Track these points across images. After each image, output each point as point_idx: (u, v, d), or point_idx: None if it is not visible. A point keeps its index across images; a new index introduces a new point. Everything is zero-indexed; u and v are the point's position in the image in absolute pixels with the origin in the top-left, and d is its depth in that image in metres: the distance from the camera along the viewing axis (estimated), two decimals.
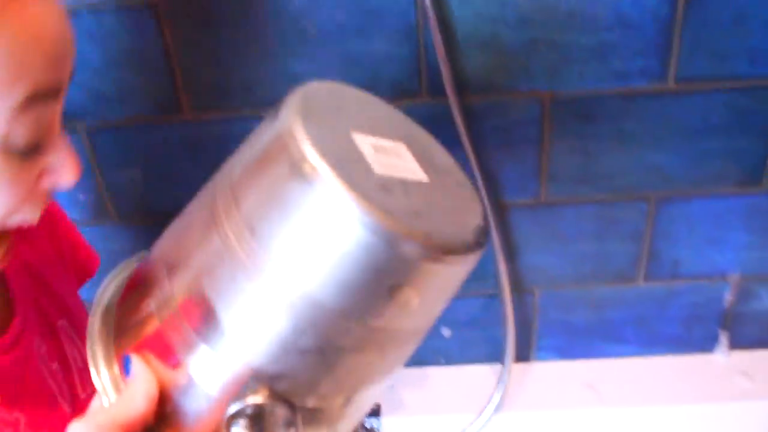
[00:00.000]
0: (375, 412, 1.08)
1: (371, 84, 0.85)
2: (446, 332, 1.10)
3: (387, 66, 0.86)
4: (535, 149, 0.92)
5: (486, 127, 0.91)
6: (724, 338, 1.10)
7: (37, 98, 0.40)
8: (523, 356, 1.12)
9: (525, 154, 0.93)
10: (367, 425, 1.06)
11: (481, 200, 0.45)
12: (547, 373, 1.11)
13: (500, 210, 0.97)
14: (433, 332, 1.08)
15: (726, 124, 0.90)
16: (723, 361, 1.11)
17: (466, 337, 1.10)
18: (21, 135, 0.41)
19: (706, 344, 1.11)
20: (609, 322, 1.09)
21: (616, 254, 1.01)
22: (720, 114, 0.89)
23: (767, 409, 1.05)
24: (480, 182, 0.91)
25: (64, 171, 0.46)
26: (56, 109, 0.44)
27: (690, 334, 1.10)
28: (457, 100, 0.86)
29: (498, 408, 1.05)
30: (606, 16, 0.82)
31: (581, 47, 0.84)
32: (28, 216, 0.47)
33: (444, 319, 1.02)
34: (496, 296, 1.03)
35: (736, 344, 1.11)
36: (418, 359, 1.13)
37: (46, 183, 0.46)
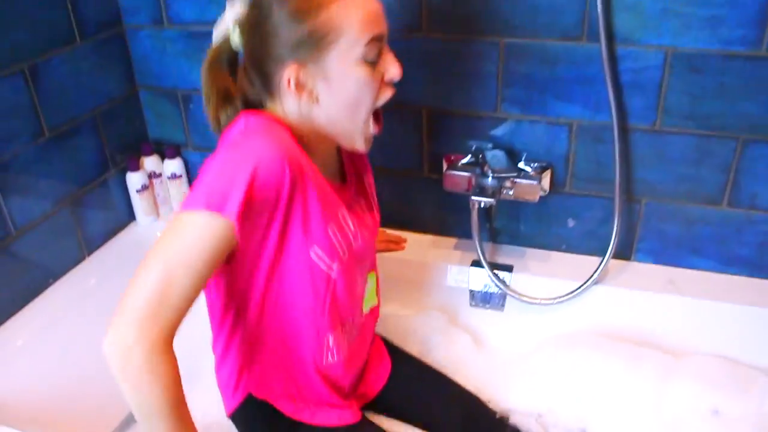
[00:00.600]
0: (508, 268, 1.50)
1: (547, 28, 1.29)
2: (571, 223, 1.50)
3: (561, 16, 1.29)
4: (656, 88, 1.31)
5: (623, 68, 1.31)
6: None
7: (374, 39, 0.92)
8: (625, 255, 1.50)
9: (648, 91, 1.32)
10: (500, 276, 1.49)
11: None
12: (641, 269, 1.48)
13: (624, 132, 1.36)
14: (560, 221, 1.49)
15: None
16: None
17: (585, 229, 1.50)
18: (370, 53, 0.93)
19: None
20: (696, 236, 1.43)
21: (707, 180, 1.37)
22: None
23: None
24: (613, 109, 1.31)
25: (392, 68, 0.97)
26: (384, 40, 0.96)
27: (762, 259, 1.42)
28: (606, 46, 1.27)
29: (596, 281, 1.43)
30: None
31: (699, 17, 1.23)
32: (366, 138, 1.00)
33: (570, 210, 1.44)
34: (612, 199, 1.42)
35: None
36: (545, 244, 1.55)
37: (386, 77, 0.97)
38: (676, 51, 1.27)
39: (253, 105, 1.01)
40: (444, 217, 1.59)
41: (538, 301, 1.46)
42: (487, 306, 1.52)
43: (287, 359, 1.10)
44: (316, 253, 0.98)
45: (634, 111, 1.35)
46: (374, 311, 1.22)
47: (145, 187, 1.69)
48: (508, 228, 1.56)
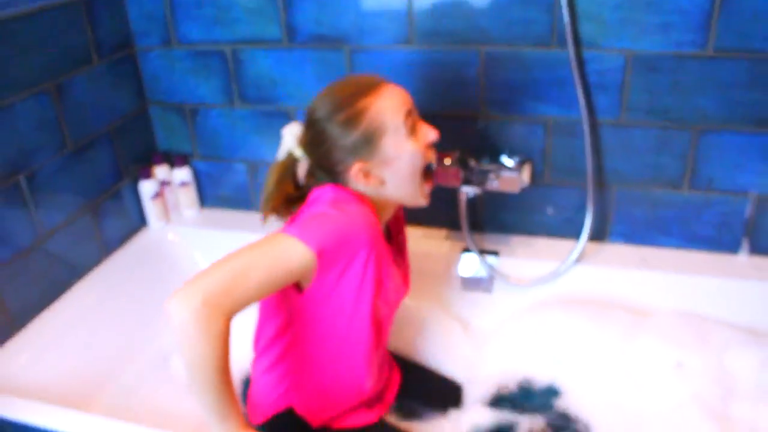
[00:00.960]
0: (495, 254, 1.66)
1: (521, 37, 1.46)
2: (550, 210, 1.66)
3: (534, 26, 1.46)
4: (619, 87, 1.48)
5: (589, 70, 1.48)
6: (745, 243, 1.58)
7: (407, 114, 1.13)
8: (600, 237, 1.66)
9: (612, 90, 1.49)
10: (488, 261, 1.64)
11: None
12: (615, 249, 1.64)
13: (593, 126, 1.53)
14: (540, 210, 1.65)
15: (749, 83, 1.41)
16: (744, 261, 1.58)
17: (563, 216, 1.66)
18: (408, 126, 1.13)
19: (731, 246, 1.59)
20: (662, 218, 1.60)
21: (669, 167, 1.54)
22: (743, 75, 1.41)
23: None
24: (583, 106, 1.48)
25: (430, 133, 1.18)
26: (414, 113, 1.15)
27: (720, 236, 1.59)
28: (574, 51, 1.44)
29: (576, 261, 1.59)
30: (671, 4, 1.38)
31: (653, 24, 1.40)
32: (425, 195, 1.23)
33: (549, 199, 1.60)
34: (586, 187, 1.58)
35: (755, 250, 1.58)
36: (527, 231, 1.70)
37: (427, 141, 1.17)
38: (634, 54, 1.44)
39: None
40: (434, 210, 1.74)
41: (523, 282, 1.62)
42: (477, 289, 1.67)
43: (334, 382, 1.27)
44: (379, 303, 1.19)
45: (601, 108, 1.51)
46: None
47: (157, 195, 1.83)
48: (494, 218, 1.72)
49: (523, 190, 1.58)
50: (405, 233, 1.38)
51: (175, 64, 1.77)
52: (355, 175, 1.14)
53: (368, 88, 1.13)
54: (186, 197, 1.90)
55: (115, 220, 1.77)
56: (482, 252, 1.65)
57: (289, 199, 1.22)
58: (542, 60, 1.49)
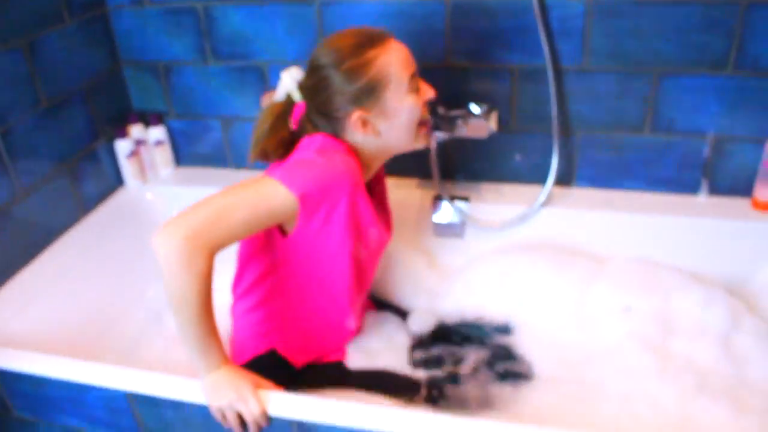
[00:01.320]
0: (466, 199, 1.71)
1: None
2: (518, 157, 1.71)
3: None
4: (580, 33, 1.52)
5: (552, 17, 1.52)
6: (705, 184, 1.64)
7: (413, 74, 1.19)
8: (567, 182, 1.72)
9: (574, 36, 1.53)
10: (459, 207, 1.69)
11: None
12: (582, 193, 1.70)
13: (557, 73, 1.58)
14: (508, 156, 1.70)
15: (705, 26, 1.46)
16: (703, 201, 1.65)
17: (531, 162, 1.71)
18: (412, 86, 1.19)
19: (692, 187, 1.66)
20: (626, 161, 1.66)
21: (630, 111, 1.59)
22: (699, 18, 1.46)
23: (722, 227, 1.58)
24: (547, 53, 1.52)
25: (429, 92, 1.25)
26: (417, 74, 1.20)
27: (680, 178, 1.65)
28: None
29: (543, 205, 1.65)
30: None
31: None
32: (423, 141, 1.28)
33: (516, 146, 1.65)
34: (549, 133, 1.63)
35: (713, 190, 1.65)
36: (497, 176, 1.75)
37: (425, 99, 1.22)
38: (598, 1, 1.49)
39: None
40: (406, 160, 1.78)
41: (493, 226, 1.67)
42: (449, 235, 1.72)
43: (316, 324, 1.33)
44: (359, 248, 1.23)
45: (564, 54, 1.56)
46: None
47: (132, 153, 1.85)
48: (464, 166, 1.76)
49: (491, 138, 1.62)
50: (385, 185, 1.42)
51: (147, 22, 1.78)
52: (354, 122, 1.18)
53: (376, 40, 1.17)
54: (162, 156, 1.92)
55: (92, 180, 1.79)
56: (453, 198, 1.70)
57: (282, 143, 1.24)
58: (507, 8, 1.53)
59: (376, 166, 1.30)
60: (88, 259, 1.67)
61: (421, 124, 1.24)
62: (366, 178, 1.27)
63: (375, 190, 1.38)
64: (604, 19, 1.50)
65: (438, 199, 1.71)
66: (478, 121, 1.56)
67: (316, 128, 1.22)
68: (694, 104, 1.55)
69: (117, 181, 1.89)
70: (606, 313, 1.48)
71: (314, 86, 1.19)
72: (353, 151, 1.21)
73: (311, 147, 1.19)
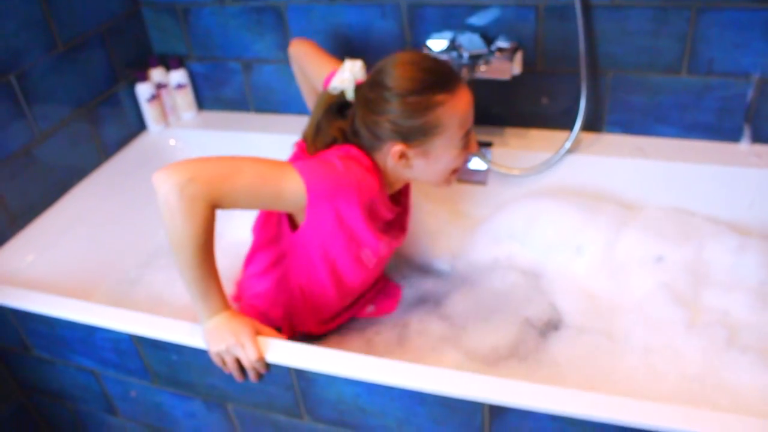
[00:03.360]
0: (488, 144, 1.64)
1: None
2: (544, 100, 1.62)
3: None
4: None
5: None
6: (747, 130, 1.52)
7: (466, 132, 1.16)
8: (597, 127, 1.63)
9: None
10: (482, 152, 1.62)
11: None
12: (612, 140, 1.61)
13: (586, 9, 1.47)
14: (534, 100, 1.62)
15: None
16: (745, 149, 1.53)
17: (558, 106, 1.62)
18: (463, 141, 1.16)
19: (733, 135, 1.54)
20: (660, 105, 1.55)
21: (666, 50, 1.48)
22: None
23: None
24: None
25: (474, 147, 1.21)
26: (472, 129, 1.17)
27: (720, 123, 1.54)
28: None
29: (570, 151, 1.57)
30: None
31: None
32: (449, 185, 1.24)
33: (542, 88, 1.56)
34: (578, 74, 1.53)
35: (757, 138, 1.53)
36: (523, 121, 1.67)
37: (468, 151, 1.20)
38: None
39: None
40: None
41: (517, 173, 1.60)
42: (473, 181, 1.66)
43: (319, 302, 1.31)
44: (367, 254, 1.23)
45: None
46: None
47: (153, 97, 1.83)
48: (487, 110, 1.68)
49: (516, 80, 1.54)
50: (409, 189, 1.38)
51: None
52: (393, 153, 1.15)
53: (447, 84, 1.12)
54: (183, 100, 1.90)
55: (113, 124, 1.79)
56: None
57: (336, 134, 1.20)
58: None
59: (401, 184, 1.28)
60: (109, 204, 1.68)
61: (453, 171, 1.22)
62: (391, 190, 1.26)
63: (401, 194, 1.35)
64: None
65: None
66: (501, 61, 1.48)
67: (354, 134, 1.19)
68: (737, 41, 1.43)
69: (139, 125, 1.88)
70: (636, 262, 1.42)
71: (371, 101, 1.14)
72: (378, 171, 1.19)
73: (338, 153, 1.16)
